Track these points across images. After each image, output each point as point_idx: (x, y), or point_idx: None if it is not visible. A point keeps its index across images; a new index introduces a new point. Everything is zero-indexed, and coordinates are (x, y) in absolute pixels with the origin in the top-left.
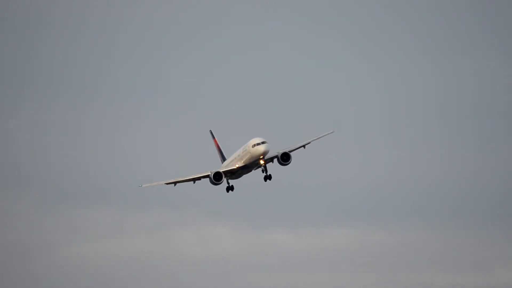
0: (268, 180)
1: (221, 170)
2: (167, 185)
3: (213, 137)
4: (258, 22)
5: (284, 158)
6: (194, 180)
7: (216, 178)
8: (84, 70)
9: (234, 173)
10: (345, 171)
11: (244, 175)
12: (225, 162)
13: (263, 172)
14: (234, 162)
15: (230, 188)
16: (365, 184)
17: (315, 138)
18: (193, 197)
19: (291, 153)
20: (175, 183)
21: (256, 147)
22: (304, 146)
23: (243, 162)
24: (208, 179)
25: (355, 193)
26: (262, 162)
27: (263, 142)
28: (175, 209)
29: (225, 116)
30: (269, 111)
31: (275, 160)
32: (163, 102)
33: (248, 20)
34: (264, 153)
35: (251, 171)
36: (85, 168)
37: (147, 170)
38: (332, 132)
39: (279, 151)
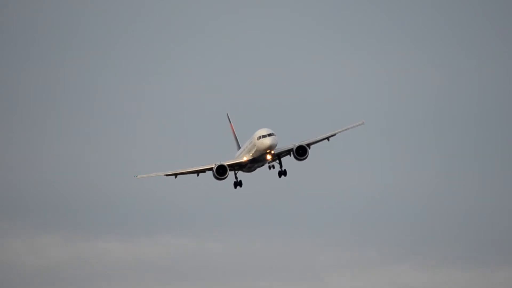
0: (283, 176)
1: (225, 163)
2: (167, 176)
3: (230, 122)
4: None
5: (300, 152)
6: (197, 172)
7: (220, 172)
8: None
9: (244, 166)
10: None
11: (258, 168)
12: (237, 153)
13: (271, 168)
14: (242, 154)
15: (238, 184)
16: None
17: (341, 130)
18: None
19: (310, 146)
20: (175, 175)
21: (261, 139)
22: (328, 138)
23: (252, 155)
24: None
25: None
26: (269, 157)
27: (269, 134)
28: None
29: (238, 103)
30: (292, 100)
31: (292, 153)
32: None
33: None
34: (271, 147)
35: (264, 164)
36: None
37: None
38: (362, 123)
39: (295, 143)
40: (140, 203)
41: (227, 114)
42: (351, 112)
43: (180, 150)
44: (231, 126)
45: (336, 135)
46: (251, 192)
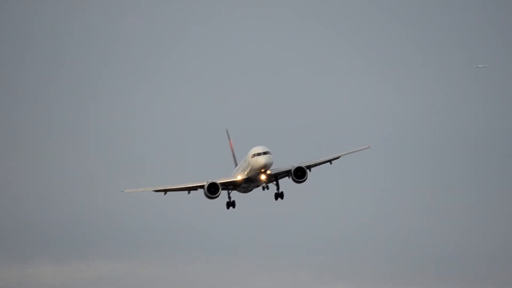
0: (279, 199)
1: (218, 182)
2: (156, 192)
3: (229, 138)
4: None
5: (299, 174)
6: (188, 189)
7: (212, 190)
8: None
9: (238, 186)
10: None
11: (254, 189)
12: (234, 171)
13: (264, 189)
14: (237, 173)
15: (231, 204)
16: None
17: (346, 152)
18: None
19: (310, 169)
20: (165, 191)
21: (256, 158)
22: (330, 161)
23: (246, 174)
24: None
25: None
26: (263, 177)
27: (265, 153)
28: None
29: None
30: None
31: (290, 174)
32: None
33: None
34: (266, 166)
35: (259, 185)
36: None
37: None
38: (368, 147)
39: (294, 164)
40: (121, 222)
41: (226, 130)
42: (358, 134)
43: (175, 165)
44: (230, 142)
45: (340, 158)
46: (243, 214)
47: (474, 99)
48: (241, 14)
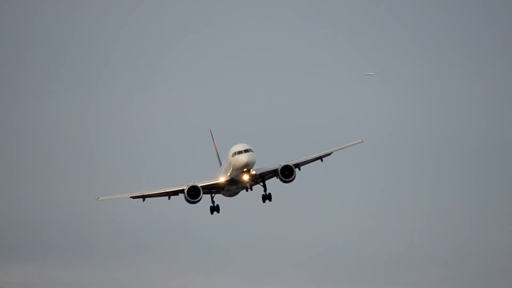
0: (267, 201)
1: (199, 185)
2: (133, 199)
3: (213, 139)
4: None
5: (286, 173)
6: (168, 195)
7: (192, 194)
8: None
9: (222, 188)
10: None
11: (241, 191)
12: (218, 173)
13: (248, 190)
14: (220, 174)
15: (215, 209)
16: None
17: (338, 148)
18: None
19: (300, 167)
20: (143, 197)
21: (237, 156)
22: (321, 158)
23: (229, 176)
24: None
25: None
26: (246, 177)
27: (246, 150)
28: None
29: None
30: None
31: (277, 174)
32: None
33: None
34: (248, 165)
35: (244, 187)
36: None
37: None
38: (361, 141)
39: (281, 163)
40: (96, 228)
41: (210, 130)
42: (350, 133)
43: (155, 169)
44: (214, 143)
45: (332, 155)
46: (229, 219)
47: (467, 98)
48: (239, 14)
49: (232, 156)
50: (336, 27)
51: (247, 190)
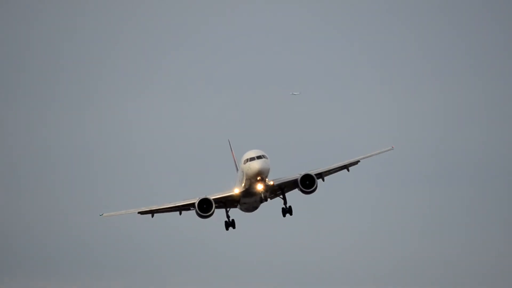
0: (288, 215)
1: (211, 197)
2: (141, 214)
3: (231, 150)
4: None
5: (307, 183)
6: (179, 210)
7: (203, 207)
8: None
9: (237, 201)
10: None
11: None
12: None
13: (263, 201)
14: (235, 186)
15: (230, 224)
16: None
17: (366, 156)
18: None
19: (323, 178)
20: (152, 212)
21: (249, 163)
22: (347, 167)
23: (244, 186)
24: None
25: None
26: (260, 186)
27: (258, 157)
28: None
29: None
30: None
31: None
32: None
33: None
34: (261, 173)
35: (263, 199)
36: None
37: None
38: (391, 149)
39: (301, 172)
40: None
41: (228, 140)
42: (377, 140)
43: (164, 183)
44: (233, 154)
45: (359, 163)
46: (245, 235)
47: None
48: (242, 15)
49: (244, 163)
50: (357, 33)
51: (261, 201)
